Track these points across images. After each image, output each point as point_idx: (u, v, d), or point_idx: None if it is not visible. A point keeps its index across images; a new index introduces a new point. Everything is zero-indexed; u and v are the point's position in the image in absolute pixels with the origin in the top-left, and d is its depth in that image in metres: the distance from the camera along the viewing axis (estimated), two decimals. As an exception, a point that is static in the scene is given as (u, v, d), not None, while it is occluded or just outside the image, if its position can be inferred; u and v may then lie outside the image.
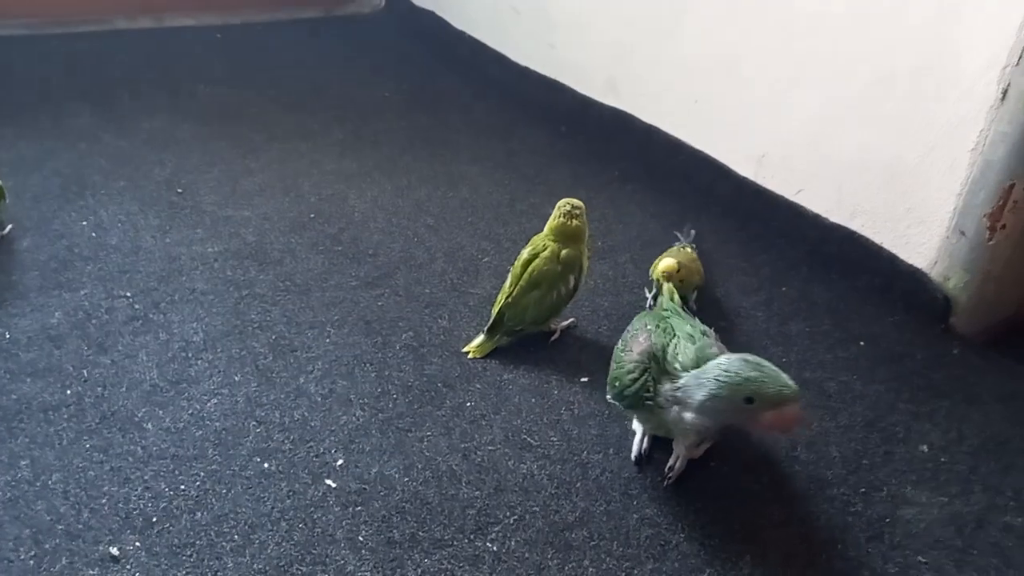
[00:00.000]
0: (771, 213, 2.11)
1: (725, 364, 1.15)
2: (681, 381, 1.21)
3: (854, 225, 1.92)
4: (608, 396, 1.37)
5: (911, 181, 1.76)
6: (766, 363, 1.14)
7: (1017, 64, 1.51)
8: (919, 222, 1.77)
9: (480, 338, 1.64)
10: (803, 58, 1.95)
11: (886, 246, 1.85)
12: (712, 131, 2.26)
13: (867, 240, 1.89)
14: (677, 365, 1.24)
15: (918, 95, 1.71)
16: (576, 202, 1.63)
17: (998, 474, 1.41)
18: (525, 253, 1.64)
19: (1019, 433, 1.50)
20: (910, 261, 1.81)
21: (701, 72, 2.24)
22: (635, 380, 1.26)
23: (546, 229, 1.64)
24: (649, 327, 1.32)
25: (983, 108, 1.58)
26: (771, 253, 2.05)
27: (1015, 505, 1.35)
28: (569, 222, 1.61)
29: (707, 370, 1.17)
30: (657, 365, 1.25)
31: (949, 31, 1.63)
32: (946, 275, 1.72)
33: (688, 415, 1.20)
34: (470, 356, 1.62)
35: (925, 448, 1.45)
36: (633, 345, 1.31)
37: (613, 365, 1.36)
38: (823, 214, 1.99)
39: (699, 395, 1.17)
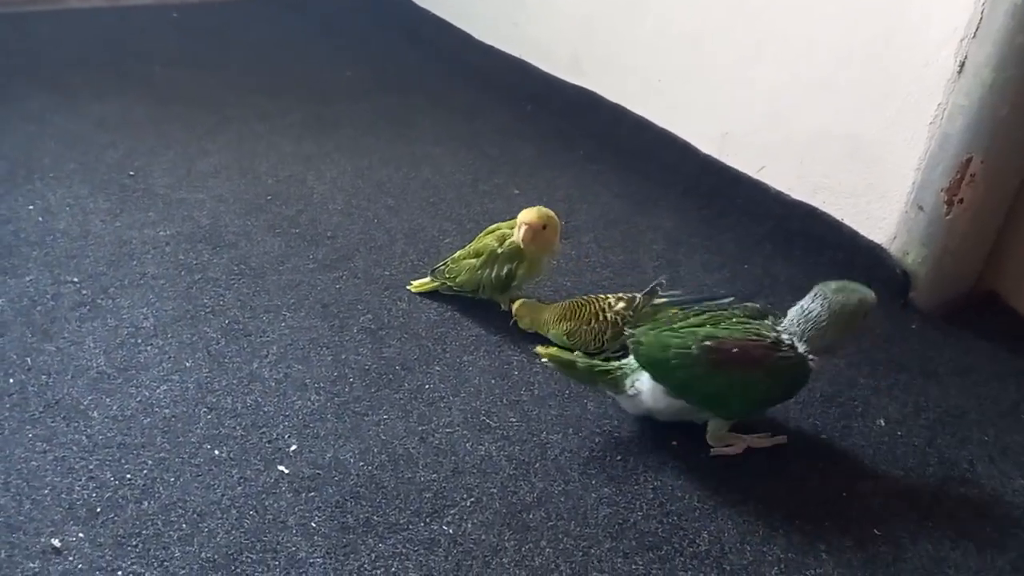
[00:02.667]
0: (734, 191, 2.10)
1: (829, 303, 1.24)
2: (801, 336, 1.26)
3: (816, 201, 1.92)
4: (746, 417, 1.37)
5: (871, 156, 1.76)
6: (834, 284, 1.26)
7: (974, 36, 1.50)
8: (879, 197, 1.77)
9: (426, 278, 1.72)
10: (764, 34, 1.93)
11: (847, 222, 1.85)
12: (676, 110, 2.25)
13: (828, 216, 1.89)
14: (784, 335, 1.27)
15: (877, 69, 1.70)
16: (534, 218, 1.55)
17: (954, 447, 1.42)
18: (496, 224, 1.67)
19: (975, 406, 1.51)
20: (870, 236, 1.81)
21: (665, 50, 2.22)
22: (803, 375, 1.27)
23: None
24: (724, 334, 1.27)
25: (941, 81, 1.58)
26: (735, 231, 2.04)
27: (970, 477, 1.36)
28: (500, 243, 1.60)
29: (807, 317, 1.25)
30: (786, 347, 1.25)
31: (907, 4, 1.62)
32: (905, 250, 1.73)
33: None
34: (410, 290, 1.72)
35: (882, 422, 1.46)
36: (756, 357, 1.25)
37: (750, 388, 1.28)
38: (785, 191, 1.99)
39: (824, 341, 1.25)
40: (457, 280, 1.65)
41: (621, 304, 1.53)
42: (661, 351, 1.28)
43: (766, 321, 1.30)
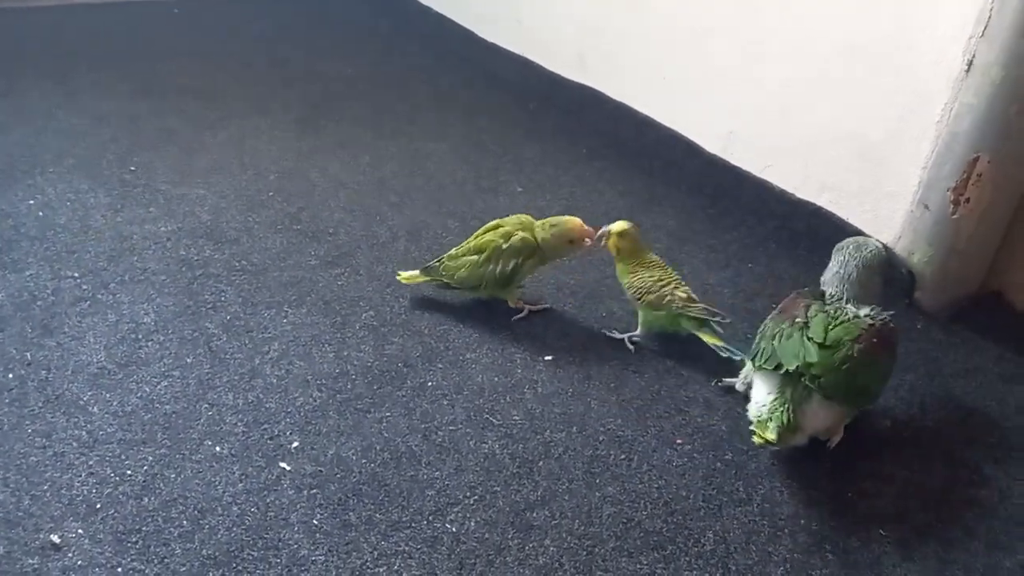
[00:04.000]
0: (739, 190, 2.09)
1: (861, 259, 1.36)
2: (854, 299, 1.37)
3: (821, 201, 1.91)
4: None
5: (877, 155, 1.75)
6: (849, 244, 1.40)
7: (982, 35, 1.49)
8: (885, 196, 1.76)
9: (416, 271, 1.69)
10: (770, 31, 1.92)
11: (852, 221, 1.84)
12: (681, 108, 2.24)
13: (834, 215, 1.88)
14: (834, 304, 1.35)
15: (884, 67, 1.69)
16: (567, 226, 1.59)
17: (960, 448, 1.41)
18: (497, 220, 1.66)
19: (981, 407, 1.50)
20: (876, 236, 1.79)
21: (669, 48, 2.21)
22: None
23: (538, 224, 1.61)
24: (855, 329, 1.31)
25: (949, 80, 1.57)
26: (739, 230, 2.03)
27: (977, 478, 1.35)
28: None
29: (851, 280, 1.36)
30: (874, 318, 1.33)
31: (916, 2, 1.60)
32: (911, 250, 1.72)
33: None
34: (399, 279, 1.68)
35: (888, 423, 1.44)
36: (885, 338, 1.33)
37: (887, 368, 1.36)
38: (790, 190, 1.98)
39: (866, 294, 1.37)
40: (456, 276, 1.63)
41: (682, 293, 1.55)
42: (836, 372, 1.27)
43: (830, 302, 1.37)
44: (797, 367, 1.27)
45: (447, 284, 1.66)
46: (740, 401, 1.47)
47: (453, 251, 1.66)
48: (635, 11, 2.28)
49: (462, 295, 1.69)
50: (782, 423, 1.27)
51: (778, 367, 1.29)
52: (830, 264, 1.42)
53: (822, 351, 1.28)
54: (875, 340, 1.30)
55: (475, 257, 1.61)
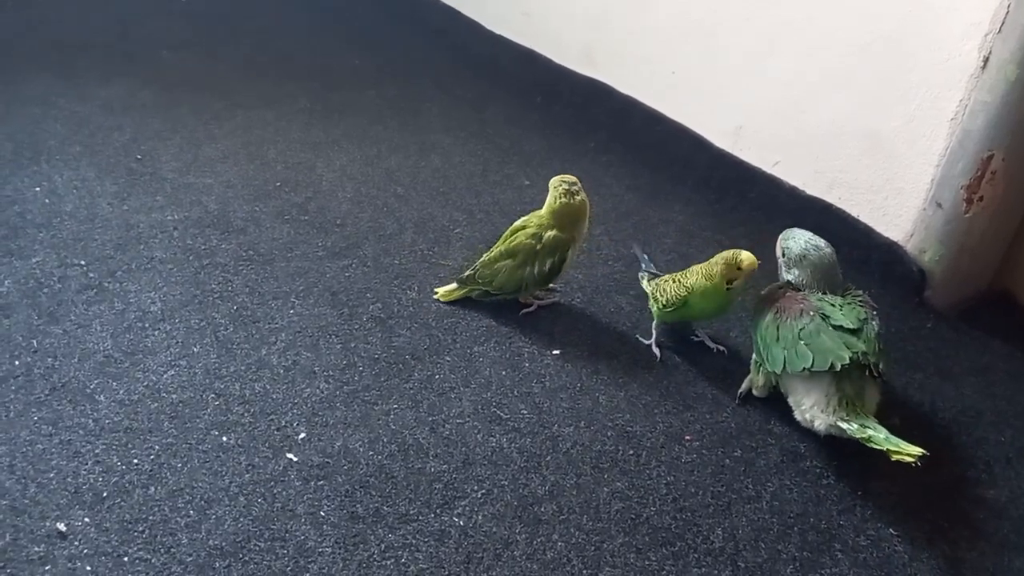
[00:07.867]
0: (748, 185, 2.08)
1: (820, 256, 1.43)
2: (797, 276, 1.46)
3: (831, 197, 1.90)
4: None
5: (889, 152, 1.74)
6: (795, 247, 1.46)
7: (999, 31, 1.48)
8: (896, 194, 1.75)
9: (452, 285, 1.65)
10: (781, 26, 1.91)
11: (863, 218, 1.83)
12: (690, 102, 2.22)
13: (844, 212, 1.87)
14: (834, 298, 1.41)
15: (897, 63, 1.68)
16: (570, 178, 1.58)
17: (970, 447, 1.40)
18: (519, 221, 1.62)
19: (990, 407, 1.49)
20: (886, 234, 1.79)
21: (679, 41, 2.19)
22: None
23: (545, 209, 1.58)
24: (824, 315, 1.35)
25: (963, 76, 1.56)
26: (747, 226, 2.02)
27: (987, 478, 1.34)
28: (571, 200, 1.56)
29: (824, 272, 1.43)
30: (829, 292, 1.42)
31: (930, -2, 1.60)
32: (922, 248, 1.71)
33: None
34: (437, 298, 1.65)
35: (897, 421, 1.43)
36: (872, 310, 1.41)
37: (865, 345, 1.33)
38: (800, 186, 1.96)
39: (836, 282, 1.45)
40: (495, 283, 1.59)
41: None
42: (883, 352, 1.33)
43: (811, 292, 1.42)
44: (854, 358, 1.26)
45: (487, 292, 1.62)
46: (750, 398, 1.46)
47: (485, 257, 1.62)
48: (644, 4, 2.26)
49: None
50: (866, 422, 1.26)
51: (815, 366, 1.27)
52: (796, 276, 1.45)
53: (862, 336, 1.30)
54: (875, 311, 1.39)
55: (510, 262, 1.58)
